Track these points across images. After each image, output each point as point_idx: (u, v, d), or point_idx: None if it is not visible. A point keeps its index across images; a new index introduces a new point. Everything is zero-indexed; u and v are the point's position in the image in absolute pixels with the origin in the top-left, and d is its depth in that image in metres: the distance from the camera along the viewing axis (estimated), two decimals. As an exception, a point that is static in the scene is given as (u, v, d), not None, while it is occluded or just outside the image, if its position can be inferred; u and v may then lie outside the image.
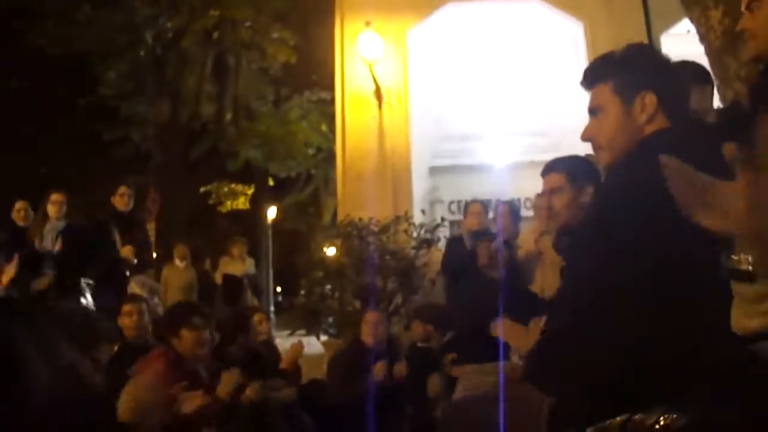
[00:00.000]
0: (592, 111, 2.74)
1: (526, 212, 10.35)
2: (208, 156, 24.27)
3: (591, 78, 2.76)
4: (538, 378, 2.57)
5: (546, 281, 6.33)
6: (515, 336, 3.87)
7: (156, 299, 8.34)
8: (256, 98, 24.74)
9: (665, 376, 2.01)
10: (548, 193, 3.92)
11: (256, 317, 7.61)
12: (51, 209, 9.14)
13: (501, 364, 3.42)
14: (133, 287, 8.55)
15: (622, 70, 2.68)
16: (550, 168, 3.94)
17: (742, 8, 2.70)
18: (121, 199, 9.41)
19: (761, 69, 2.91)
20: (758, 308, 1.81)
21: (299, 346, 7.35)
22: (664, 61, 2.73)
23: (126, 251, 8.94)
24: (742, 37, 2.78)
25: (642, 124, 2.60)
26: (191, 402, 4.68)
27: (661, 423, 1.84)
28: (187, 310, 5.97)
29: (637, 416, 1.91)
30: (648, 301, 2.12)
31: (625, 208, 2.29)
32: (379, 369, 6.73)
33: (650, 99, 2.60)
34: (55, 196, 9.28)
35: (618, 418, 1.95)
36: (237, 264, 12.80)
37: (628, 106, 2.62)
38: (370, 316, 7.34)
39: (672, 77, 2.71)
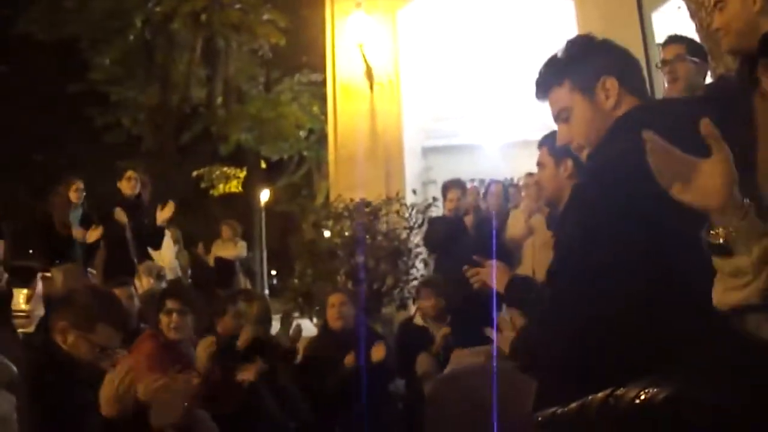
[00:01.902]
0: (558, 117, 2.72)
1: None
2: (199, 140, 24.27)
3: (543, 86, 2.74)
4: (525, 359, 2.59)
5: (537, 261, 6.36)
6: (499, 276, 3.94)
7: (164, 284, 8.34)
8: (246, 81, 24.73)
9: (648, 352, 2.03)
10: (537, 168, 4.01)
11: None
12: (74, 196, 9.31)
13: (494, 327, 3.43)
14: (141, 272, 8.54)
15: (573, 66, 2.66)
16: (539, 144, 4.00)
17: (711, 6, 2.72)
18: (128, 183, 9.47)
19: (739, 60, 2.96)
20: (736, 282, 1.82)
21: (298, 329, 7.38)
22: (608, 44, 2.71)
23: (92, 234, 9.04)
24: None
25: (611, 109, 2.58)
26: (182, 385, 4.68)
27: (642, 397, 1.85)
28: (162, 295, 5.97)
29: (618, 391, 1.92)
30: (632, 277, 2.14)
31: (605, 185, 2.29)
32: (349, 360, 6.69)
33: (611, 83, 2.58)
34: (78, 184, 9.44)
35: (600, 394, 1.97)
36: (229, 247, 12.79)
37: (591, 97, 2.60)
38: (334, 298, 7.27)
39: (622, 57, 2.69)
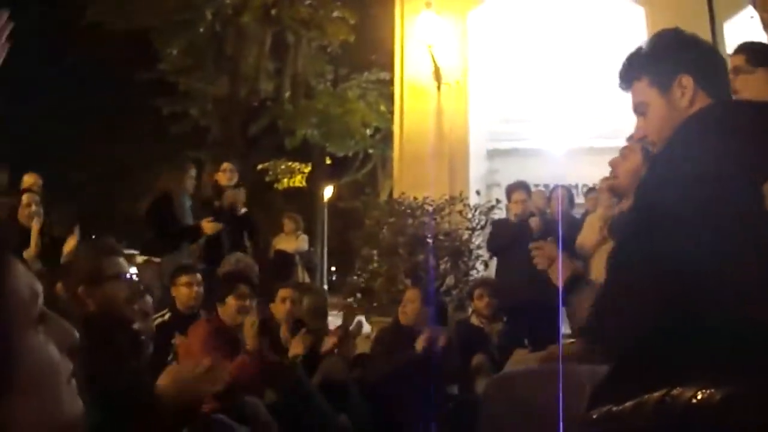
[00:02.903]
0: (636, 110, 2.71)
1: (582, 200, 10.29)
2: (266, 133, 24.38)
3: (626, 78, 2.73)
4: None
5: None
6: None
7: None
8: (314, 76, 24.81)
9: (709, 351, 2.02)
10: (618, 156, 3.95)
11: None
12: (189, 183, 9.41)
13: (560, 320, 3.42)
14: (225, 264, 8.51)
15: (653, 61, 2.64)
16: (628, 137, 3.97)
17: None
18: (224, 175, 9.66)
19: None
20: None
21: (359, 324, 7.45)
22: (692, 41, 2.66)
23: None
24: None
25: (685, 107, 2.55)
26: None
27: (699, 397, 1.85)
28: (236, 278, 6.17)
29: (675, 391, 1.92)
30: (698, 275, 2.13)
31: (669, 181, 2.29)
32: (422, 340, 6.70)
33: (687, 81, 2.55)
34: (192, 171, 9.54)
35: (656, 393, 1.96)
36: (290, 240, 12.84)
37: (668, 95, 2.58)
38: (413, 294, 7.29)
39: (704, 54, 2.65)
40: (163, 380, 3.46)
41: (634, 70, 2.70)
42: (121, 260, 3.97)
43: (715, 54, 2.68)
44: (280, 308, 6.60)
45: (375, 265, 10.18)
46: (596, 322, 2.55)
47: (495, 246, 9.11)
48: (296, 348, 5.88)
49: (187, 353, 5.38)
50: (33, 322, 1.04)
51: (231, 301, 5.80)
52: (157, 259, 8.86)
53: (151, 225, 9.31)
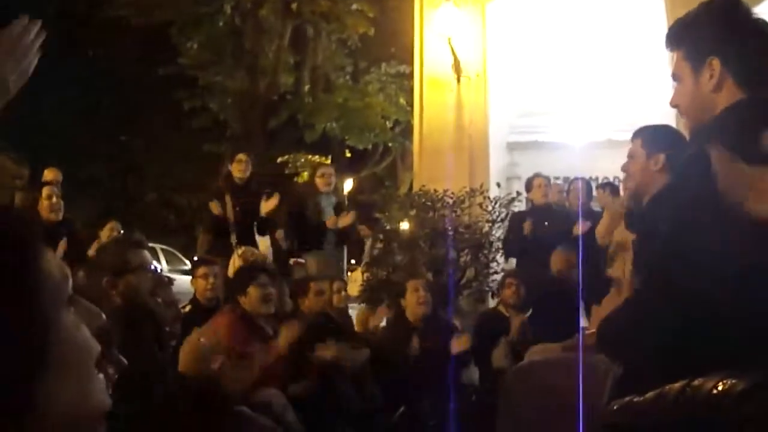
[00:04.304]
0: (672, 77, 2.66)
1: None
2: (285, 127, 24.41)
3: (668, 44, 2.65)
4: (610, 344, 2.57)
5: (630, 260, 6.28)
6: None
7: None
8: (334, 70, 24.82)
9: (732, 344, 2.02)
10: (627, 158, 3.97)
11: (335, 285, 7.72)
12: (320, 183, 9.67)
13: (579, 318, 3.43)
14: (235, 257, 8.56)
15: (692, 34, 2.56)
16: (633, 136, 3.98)
17: None
18: (239, 166, 9.50)
19: None
20: None
21: (377, 315, 7.48)
22: (740, 20, 2.52)
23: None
24: None
25: (710, 91, 2.48)
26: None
27: (720, 388, 1.85)
28: (256, 268, 6.28)
29: (696, 381, 1.92)
30: (720, 271, 2.12)
31: (698, 181, 2.28)
32: (414, 344, 6.75)
33: (716, 64, 2.47)
34: (241, 156, 9.60)
35: (677, 384, 1.97)
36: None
37: (698, 73, 2.51)
38: (416, 284, 7.31)
39: (745, 37, 2.50)
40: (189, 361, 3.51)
41: (675, 37, 2.63)
42: (146, 252, 4.02)
43: (760, 41, 2.52)
44: (314, 301, 6.70)
45: (393, 258, 10.18)
46: (619, 337, 2.53)
47: (509, 252, 9.24)
48: (327, 351, 5.94)
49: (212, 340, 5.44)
50: (65, 303, 1.08)
51: (252, 290, 5.80)
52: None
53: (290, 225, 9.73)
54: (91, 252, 8.01)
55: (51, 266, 1.08)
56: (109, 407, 1.12)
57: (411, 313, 7.17)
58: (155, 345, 4.45)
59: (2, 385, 0.99)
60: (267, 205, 9.29)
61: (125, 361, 2.37)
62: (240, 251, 8.42)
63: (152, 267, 4.01)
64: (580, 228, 8.09)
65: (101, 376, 1.13)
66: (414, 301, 7.16)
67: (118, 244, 4.22)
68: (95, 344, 1.12)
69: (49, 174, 10.18)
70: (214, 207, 9.22)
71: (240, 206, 9.27)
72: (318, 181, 9.63)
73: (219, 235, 9.27)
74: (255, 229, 9.45)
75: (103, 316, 1.07)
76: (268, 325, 5.87)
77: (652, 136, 3.90)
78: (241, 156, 9.58)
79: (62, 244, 8.14)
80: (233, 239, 9.10)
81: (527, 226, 8.81)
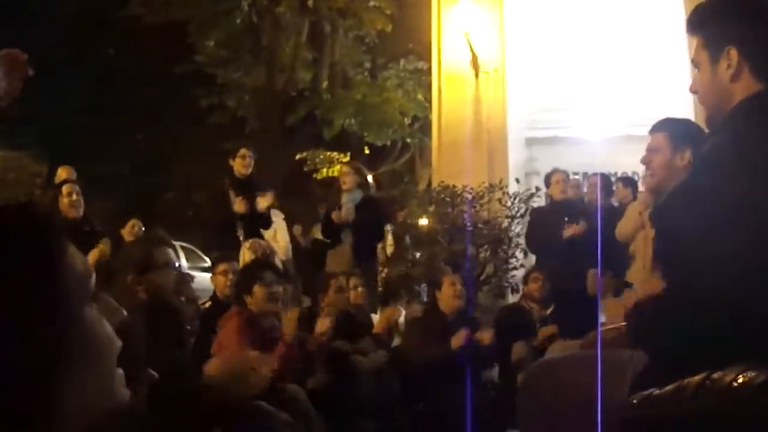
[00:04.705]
0: (692, 62, 2.64)
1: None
2: (303, 123, 24.42)
3: (688, 29, 2.63)
4: (640, 338, 2.55)
5: (649, 256, 6.25)
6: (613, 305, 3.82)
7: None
8: (351, 66, 24.83)
9: (755, 339, 2.02)
10: (649, 151, 3.88)
11: (352, 281, 7.72)
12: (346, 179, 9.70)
13: (598, 315, 3.41)
14: (244, 249, 8.58)
15: (711, 23, 2.54)
16: (655, 128, 3.90)
17: None
18: (242, 162, 9.47)
19: None
20: None
21: (397, 311, 7.50)
22: (759, 11, 2.50)
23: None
24: None
25: (727, 82, 2.46)
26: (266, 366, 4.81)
27: (740, 380, 1.85)
28: (261, 267, 6.15)
29: (715, 374, 1.92)
30: (743, 265, 2.11)
31: (718, 174, 2.27)
32: (458, 339, 6.75)
33: (734, 54, 2.44)
34: (243, 151, 9.61)
35: (697, 377, 1.97)
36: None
37: (715, 62, 2.49)
38: (453, 278, 7.34)
39: (764, 29, 2.48)
40: (212, 370, 3.53)
41: (694, 24, 2.60)
42: (170, 250, 4.04)
43: None
44: (334, 298, 6.71)
45: (413, 255, 10.20)
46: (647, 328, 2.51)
47: (531, 247, 9.24)
48: (287, 326, 5.87)
49: (221, 347, 5.41)
50: (89, 298, 1.10)
51: (258, 289, 5.69)
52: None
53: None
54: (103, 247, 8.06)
55: (75, 261, 1.09)
56: (127, 400, 1.13)
57: (446, 306, 7.19)
58: (177, 344, 4.47)
59: (26, 381, 1.01)
60: (261, 202, 9.30)
61: (155, 374, 2.38)
62: (248, 244, 8.45)
63: (176, 264, 4.01)
64: (582, 226, 8.14)
65: (121, 371, 1.14)
66: (450, 294, 7.18)
67: (143, 241, 4.25)
68: (117, 340, 1.14)
69: (63, 172, 10.23)
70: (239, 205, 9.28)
71: (245, 202, 9.28)
72: (340, 179, 9.68)
73: (226, 231, 9.30)
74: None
75: (124, 311, 1.08)
76: (274, 324, 5.83)
77: (678, 130, 3.80)
78: (243, 151, 9.56)
79: (101, 246, 8.20)
80: (240, 234, 9.13)
81: (571, 230, 8.70)
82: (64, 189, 8.87)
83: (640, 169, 7.35)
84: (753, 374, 1.84)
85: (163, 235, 4.32)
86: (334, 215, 9.44)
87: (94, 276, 1.13)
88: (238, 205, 9.08)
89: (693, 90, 2.64)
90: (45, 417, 1.02)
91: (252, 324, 5.65)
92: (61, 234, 1.09)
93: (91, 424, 1.09)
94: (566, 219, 8.72)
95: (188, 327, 4.83)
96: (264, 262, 6.86)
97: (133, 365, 1.19)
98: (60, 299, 1.04)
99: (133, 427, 1.22)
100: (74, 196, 8.78)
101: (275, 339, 5.64)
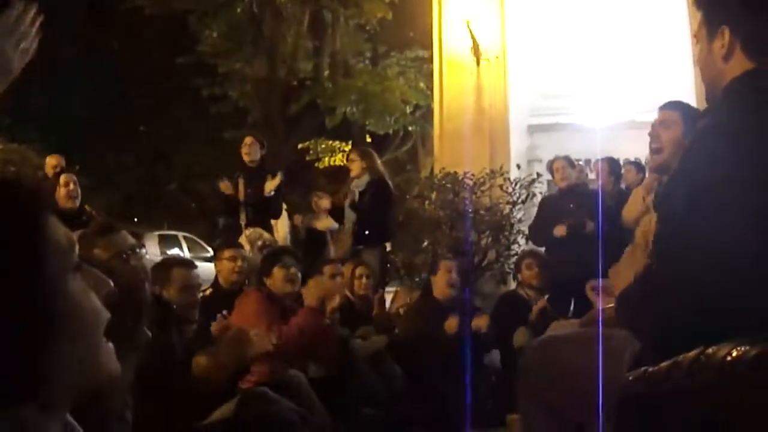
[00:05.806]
0: (695, 38, 2.61)
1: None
2: (305, 112, 24.44)
3: (695, 3, 2.60)
4: (629, 318, 2.56)
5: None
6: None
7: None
8: (353, 55, 24.83)
9: (749, 316, 2.02)
10: (658, 126, 3.85)
11: (359, 271, 7.74)
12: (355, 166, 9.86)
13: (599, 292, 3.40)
14: (243, 237, 8.59)
15: (708, 1, 2.52)
16: (668, 105, 3.88)
17: None
18: (246, 149, 9.55)
19: None
20: None
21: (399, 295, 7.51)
22: None
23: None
24: None
25: (719, 62, 2.45)
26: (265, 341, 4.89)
27: (733, 354, 1.85)
28: (279, 251, 6.64)
29: (710, 349, 1.92)
30: (736, 246, 2.11)
31: (710, 151, 2.26)
32: (450, 324, 6.77)
33: (726, 34, 2.42)
34: (247, 139, 9.67)
35: (691, 352, 1.97)
36: (320, 218, 12.82)
37: (711, 40, 2.47)
38: (449, 264, 7.35)
39: (757, 11, 2.43)
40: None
41: (697, 1, 2.57)
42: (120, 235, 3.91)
43: None
44: (329, 284, 6.70)
45: (415, 241, 10.20)
46: (636, 312, 2.51)
47: (535, 239, 9.21)
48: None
49: (239, 321, 5.51)
50: (72, 269, 1.10)
51: (277, 272, 6.00)
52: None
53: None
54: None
55: (57, 234, 1.09)
56: (118, 372, 1.13)
57: (439, 293, 7.21)
58: (172, 333, 4.50)
59: (14, 354, 1.01)
60: (269, 185, 9.33)
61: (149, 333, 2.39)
62: (248, 232, 8.47)
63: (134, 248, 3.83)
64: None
65: (110, 344, 1.14)
66: (444, 281, 7.21)
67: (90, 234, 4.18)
68: (104, 311, 1.14)
69: (51, 161, 10.20)
70: (224, 186, 9.30)
71: (252, 189, 9.29)
72: (348, 166, 9.74)
73: (230, 216, 9.34)
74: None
75: (111, 283, 1.08)
76: (293, 303, 6.04)
77: (690, 111, 3.80)
78: (247, 139, 9.60)
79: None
80: (242, 219, 9.15)
81: (560, 230, 8.62)
82: (62, 179, 8.87)
83: (643, 155, 7.35)
84: (746, 348, 1.84)
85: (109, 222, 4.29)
86: (336, 200, 9.49)
87: (77, 247, 1.13)
88: (240, 192, 9.11)
89: (696, 63, 2.64)
90: (32, 389, 1.02)
91: (272, 299, 5.90)
92: (43, 206, 1.09)
93: (80, 395, 1.09)
94: (572, 206, 8.69)
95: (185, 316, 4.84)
96: (282, 247, 7.45)
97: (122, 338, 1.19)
98: (42, 272, 1.04)
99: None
100: (71, 186, 8.78)
101: (288, 317, 5.75)
